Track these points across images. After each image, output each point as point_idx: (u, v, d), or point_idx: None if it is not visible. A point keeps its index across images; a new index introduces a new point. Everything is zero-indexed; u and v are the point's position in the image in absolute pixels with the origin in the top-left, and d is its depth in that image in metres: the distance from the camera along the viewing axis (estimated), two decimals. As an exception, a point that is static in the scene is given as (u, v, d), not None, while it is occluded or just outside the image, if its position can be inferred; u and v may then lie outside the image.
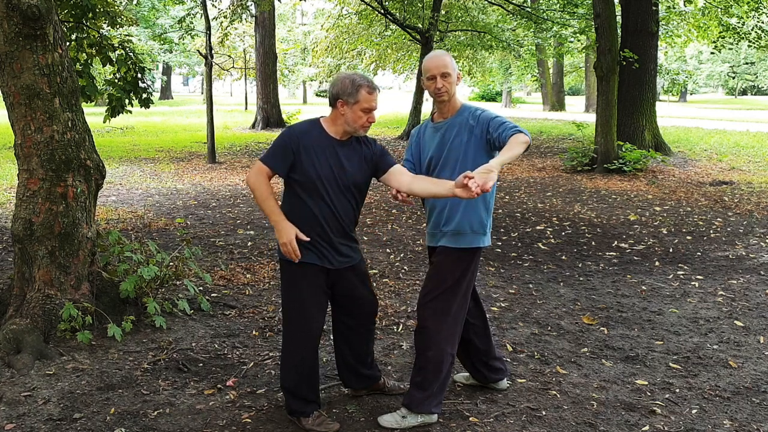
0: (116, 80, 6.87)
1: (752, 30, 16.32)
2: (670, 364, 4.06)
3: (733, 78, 55.59)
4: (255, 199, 3.11)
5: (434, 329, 3.22)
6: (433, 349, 3.22)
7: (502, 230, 7.73)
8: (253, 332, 4.50)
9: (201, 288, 5.33)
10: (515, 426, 3.29)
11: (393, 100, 49.64)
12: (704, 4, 16.98)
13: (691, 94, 57.57)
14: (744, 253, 6.76)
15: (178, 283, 5.16)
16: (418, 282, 5.63)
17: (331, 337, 4.35)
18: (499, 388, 3.66)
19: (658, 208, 9.09)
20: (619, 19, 13.62)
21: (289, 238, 3.05)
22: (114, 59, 6.73)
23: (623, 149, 12.39)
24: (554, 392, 3.66)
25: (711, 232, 7.72)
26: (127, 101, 6.91)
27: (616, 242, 7.23)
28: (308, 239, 3.09)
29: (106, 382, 3.72)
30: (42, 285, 4.19)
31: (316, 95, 58.31)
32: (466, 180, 2.80)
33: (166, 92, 50.24)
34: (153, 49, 35.05)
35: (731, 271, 6.12)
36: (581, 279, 5.88)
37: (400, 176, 3.16)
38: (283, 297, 3.25)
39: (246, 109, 35.71)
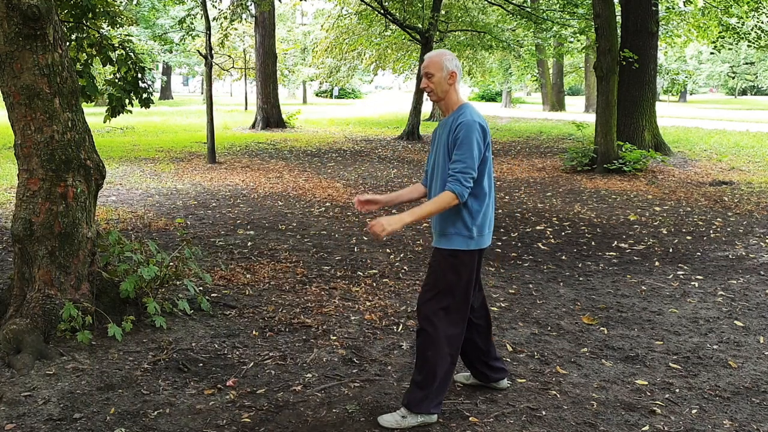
0: (116, 80, 6.86)
1: (752, 30, 16.32)
2: (670, 364, 4.06)
3: (733, 78, 55.57)
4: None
5: (432, 330, 3.22)
6: (431, 350, 3.22)
7: (502, 230, 7.72)
8: (253, 332, 4.50)
9: (201, 288, 5.33)
10: (515, 426, 3.29)
11: (393, 100, 49.64)
12: (704, 4, 16.98)
13: (691, 94, 57.57)
14: (744, 253, 6.76)
15: (178, 283, 5.16)
16: (418, 282, 5.63)
17: (334, 335, 4.35)
18: (499, 387, 3.66)
19: (658, 208, 9.09)
20: (619, 19, 13.62)
21: None
22: (114, 59, 6.72)
23: (623, 149, 12.38)
24: (554, 392, 3.66)
25: (711, 232, 7.72)
26: (127, 101, 6.90)
27: (616, 242, 7.23)
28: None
29: (106, 382, 3.72)
30: (42, 285, 4.19)
31: (316, 95, 58.31)
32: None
33: (166, 92, 50.23)
34: (153, 49, 35.05)
35: (731, 271, 6.12)
36: (581, 279, 5.88)
37: None
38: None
39: (246, 109, 35.72)
